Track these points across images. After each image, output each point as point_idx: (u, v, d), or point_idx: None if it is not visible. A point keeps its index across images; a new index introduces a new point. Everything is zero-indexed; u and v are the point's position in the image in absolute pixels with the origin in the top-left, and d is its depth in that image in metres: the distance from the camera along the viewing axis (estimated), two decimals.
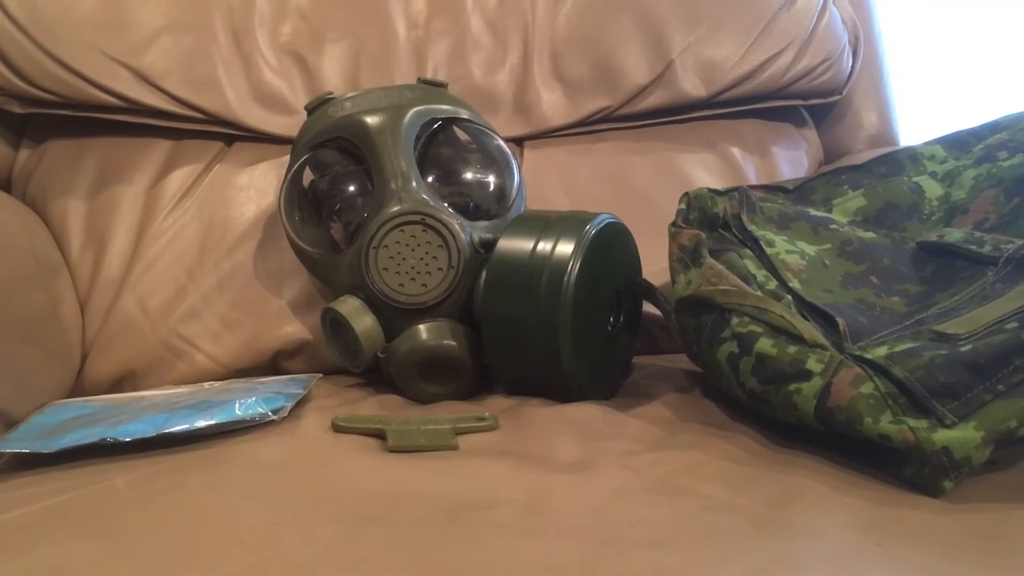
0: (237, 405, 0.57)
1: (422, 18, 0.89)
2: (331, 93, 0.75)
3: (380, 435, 0.55)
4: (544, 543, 0.40)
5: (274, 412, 0.58)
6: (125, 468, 0.51)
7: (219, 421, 0.55)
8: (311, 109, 0.75)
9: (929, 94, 1.22)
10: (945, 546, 0.39)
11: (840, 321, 0.52)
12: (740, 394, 0.56)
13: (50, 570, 0.39)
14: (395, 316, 0.66)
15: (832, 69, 0.92)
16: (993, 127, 0.68)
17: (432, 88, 0.76)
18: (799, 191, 0.70)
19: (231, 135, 0.84)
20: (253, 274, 0.78)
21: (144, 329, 0.75)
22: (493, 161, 0.77)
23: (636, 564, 0.38)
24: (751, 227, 0.63)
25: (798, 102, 0.94)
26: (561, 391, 0.61)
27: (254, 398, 0.59)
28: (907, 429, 0.44)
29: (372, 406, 0.64)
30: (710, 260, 0.61)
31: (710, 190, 0.69)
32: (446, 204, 0.69)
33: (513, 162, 0.76)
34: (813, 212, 0.66)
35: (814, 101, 0.95)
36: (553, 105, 0.88)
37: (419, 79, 0.77)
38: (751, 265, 0.60)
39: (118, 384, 0.74)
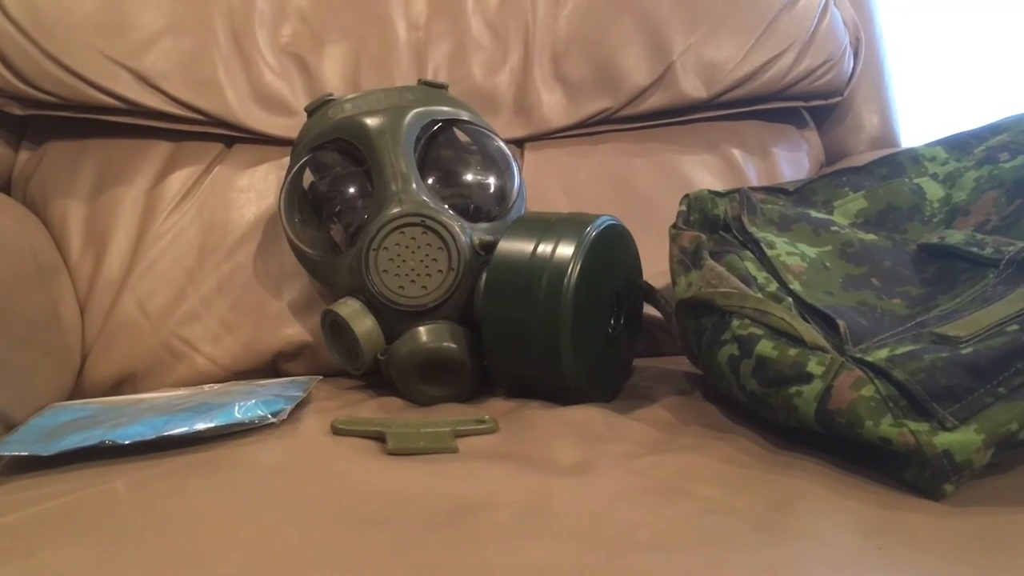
0: (236, 408, 0.57)
1: (423, 19, 0.89)
2: (331, 94, 0.75)
3: (380, 438, 0.55)
4: (544, 546, 0.40)
5: (274, 415, 0.58)
6: (124, 471, 0.51)
7: (218, 424, 0.55)
8: (311, 111, 0.75)
9: (930, 95, 1.22)
10: (946, 549, 0.39)
11: (841, 323, 0.52)
12: (741, 396, 0.56)
13: (49, 573, 0.39)
14: (395, 318, 0.66)
15: (833, 70, 0.92)
16: (994, 128, 0.68)
17: (432, 89, 0.76)
18: (800, 193, 0.70)
19: (231, 137, 0.83)
20: (253, 276, 0.78)
21: (144, 331, 0.75)
22: (493, 163, 0.77)
23: (636, 567, 0.38)
24: (752, 229, 0.63)
25: (799, 103, 0.94)
26: (561, 393, 0.61)
27: (253, 400, 0.59)
28: (908, 432, 0.44)
29: (372, 408, 0.64)
30: (711, 262, 0.61)
31: (711, 192, 0.69)
32: (446, 206, 0.69)
33: (513, 164, 0.76)
34: (814, 214, 0.66)
35: (815, 102, 0.94)
36: (554, 106, 0.88)
37: (419, 80, 0.77)
38: (752, 267, 0.60)
39: (118, 386, 0.74)
